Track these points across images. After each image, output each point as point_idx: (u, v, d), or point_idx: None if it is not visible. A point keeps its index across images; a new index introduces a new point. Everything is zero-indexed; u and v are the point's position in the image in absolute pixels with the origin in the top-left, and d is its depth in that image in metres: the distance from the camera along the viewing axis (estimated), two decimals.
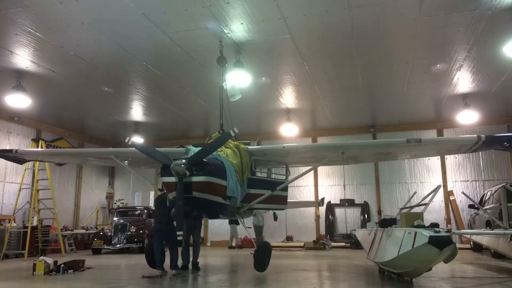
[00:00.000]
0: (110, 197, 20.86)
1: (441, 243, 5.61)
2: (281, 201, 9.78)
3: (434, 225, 6.11)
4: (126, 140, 8.23)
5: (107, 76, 11.85)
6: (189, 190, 7.18)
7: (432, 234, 5.66)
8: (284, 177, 9.79)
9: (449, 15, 8.61)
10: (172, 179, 7.20)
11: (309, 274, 8.93)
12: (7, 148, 14.97)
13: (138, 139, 17.08)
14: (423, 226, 6.25)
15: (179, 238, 7.58)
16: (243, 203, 8.71)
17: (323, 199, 17.35)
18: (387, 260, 7.07)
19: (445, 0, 8.09)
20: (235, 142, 8.86)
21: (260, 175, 9.85)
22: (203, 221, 18.35)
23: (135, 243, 15.03)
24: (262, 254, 8.46)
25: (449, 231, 5.84)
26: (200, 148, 7.58)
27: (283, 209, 10.11)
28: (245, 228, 9.57)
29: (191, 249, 9.57)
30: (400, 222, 7.62)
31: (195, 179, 7.16)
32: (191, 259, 9.46)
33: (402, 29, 9.25)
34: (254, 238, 16.55)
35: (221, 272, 9.50)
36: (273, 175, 10.46)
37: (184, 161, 7.06)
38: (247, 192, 8.69)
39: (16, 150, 10.36)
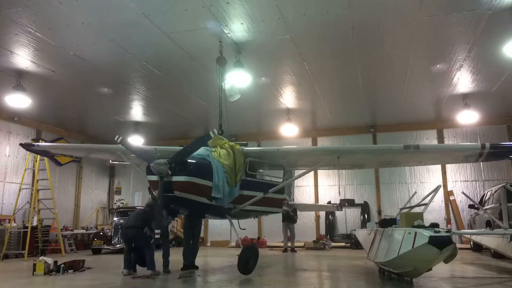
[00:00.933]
0: (118, 192, 20.93)
1: (441, 243, 5.61)
2: (276, 203, 9.75)
3: (434, 225, 6.11)
4: (116, 138, 8.29)
5: (107, 76, 11.85)
6: (170, 189, 7.31)
7: (432, 234, 5.67)
8: (281, 180, 9.77)
9: (449, 15, 8.60)
10: (155, 177, 7.36)
11: (309, 274, 8.94)
12: (7, 148, 15.29)
13: (137, 139, 17.15)
14: (423, 226, 6.26)
15: (157, 236, 7.66)
16: (235, 204, 8.70)
17: (341, 203, 16.65)
18: (387, 260, 7.07)
19: (445, 0, 8.08)
20: (231, 143, 8.85)
21: (257, 177, 9.80)
22: (203, 221, 18.51)
23: None
24: (247, 256, 8.23)
25: (449, 231, 5.84)
26: (182, 148, 7.71)
27: (279, 212, 10.08)
28: (240, 229, 9.56)
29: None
30: (400, 222, 7.61)
31: (176, 178, 7.30)
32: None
33: (402, 29, 9.24)
34: (253, 239, 16.52)
35: (221, 272, 9.50)
36: (270, 177, 10.38)
37: (165, 160, 7.21)
38: (240, 194, 8.68)
39: (38, 145, 11.32)
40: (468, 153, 8.47)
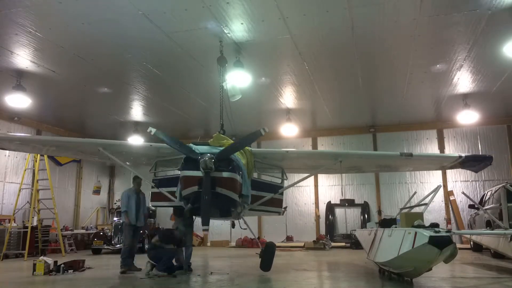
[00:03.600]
0: (98, 191, 20.39)
1: (441, 243, 5.61)
2: (278, 204, 9.78)
3: (434, 225, 6.10)
4: (148, 130, 7.88)
5: (107, 76, 11.85)
6: (213, 186, 7.04)
7: (432, 234, 5.66)
8: (280, 181, 9.77)
9: (449, 15, 8.61)
10: (195, 173, 7.04)
11: (309, 274, 8.93)
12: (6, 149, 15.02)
13: (138, 139, 17.08)
14: (423, 226, 6.25)
15: (204, 231, 7.50)
16: (244, 204, 8.70)
17: (286, 207, 17.13)
18: (387, 260, 7.06)
19: (445, 0, 8.09)
20: None
21: (261, 178, 9.85)
22: None
23: None
24: (270, 254, 8.57)
25: (449, 231, 5.84)
26: (230, 144, 7.60)
27: (279, 213, 10.11)
28: (241, 228, 9.57)
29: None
30: (400, 222, 7.60)
31: (220, 174, 7.08)
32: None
33: (402, 29, 9.24)
34: (253, 239, 16.50)
35: (220, 272, 9.49)
36: (271, 178, 10.40)
37: (212, 155, 6.98)
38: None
39: None
40: (448, 161, 9.19)
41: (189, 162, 7.20)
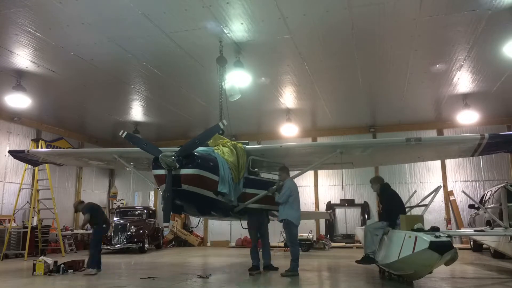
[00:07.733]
0: (114, 196, 20.86)
1: (442, 248, 5.57)
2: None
3: (435, 229, 6.04)
4: (121, 133, 8.18)
5: (107, 76, 11.83)
6: (178, 182, 7.15)
7: (433, 239, 5.60)
8: None
9: (449, 15, 8.60)
10: (162, 171, 7.19)
11: (309, 274, 8.93)
12: (7, 148, 15.00)
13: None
14: (423, 230, 6.18)
15: (165, 227, 7.58)
16: (238, 202, 8.70)
17: (330, 212, 17.30)
18: (388, 263, 7.05)
19: (445, 0, 8.08)
20: (233, 142, 8.87)
21: (260, 176, 9.83)
22: (203, 221, 18.51)
23: (135, 243, 15.05)
24: None
25: (449, 235, 5.78)
26: (190, 140, 7.60)
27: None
28: (242, 228, 9.57)
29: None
30: (400, 224, 7.53)
31: (184, 171, 7.15)
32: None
33: (402, 29, 9.23)
34: None
35: (220, 272, 9.50)
36: (273, 176, 10.39)
37: (173, 152, 7.09)
38: (243, 192, 8.68)
39: (28, 151, 10.67)
40: (467, 145, 8.44)
41: (156, 161, 7.30)
